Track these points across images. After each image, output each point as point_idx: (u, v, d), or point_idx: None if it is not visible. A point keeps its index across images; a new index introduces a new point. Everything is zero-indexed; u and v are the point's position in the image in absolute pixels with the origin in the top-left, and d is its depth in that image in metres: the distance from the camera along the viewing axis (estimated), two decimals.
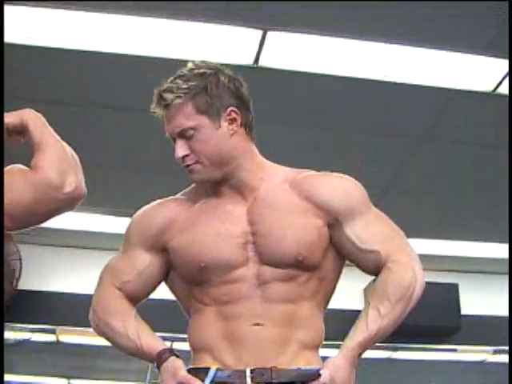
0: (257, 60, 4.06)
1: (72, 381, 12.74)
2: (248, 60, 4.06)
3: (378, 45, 4.01)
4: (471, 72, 4.27)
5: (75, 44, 4.00)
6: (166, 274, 2.30)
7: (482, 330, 7.75)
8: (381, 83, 4.37)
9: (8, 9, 3.51)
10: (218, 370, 2.09)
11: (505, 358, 10.25)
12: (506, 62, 4.12)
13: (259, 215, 2.19)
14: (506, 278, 7.99)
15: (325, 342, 2.22)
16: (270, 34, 3.86)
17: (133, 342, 2.17)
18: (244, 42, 3.92)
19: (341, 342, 2.12)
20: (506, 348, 8.57)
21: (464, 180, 5.82)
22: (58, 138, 2.02)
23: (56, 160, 1.94)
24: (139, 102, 4.57)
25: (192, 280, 2.21)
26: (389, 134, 5.09)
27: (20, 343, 8.50)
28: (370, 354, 8.58)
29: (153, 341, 2.18)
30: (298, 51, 4.02)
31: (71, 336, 8.67)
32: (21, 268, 6.38)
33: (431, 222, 6.60)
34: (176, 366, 2.10)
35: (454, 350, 9.14)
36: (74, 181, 1.93)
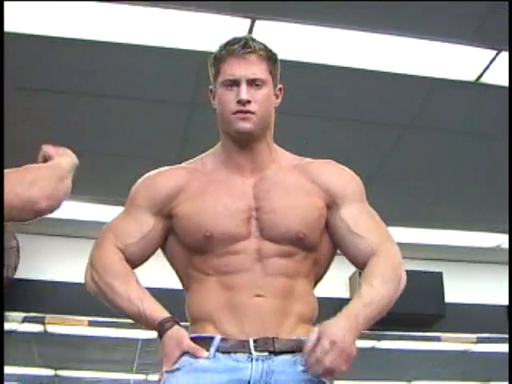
0: None
1: (59, 371, 12.75)
2: None
3: (363, 34, 4.04)
4: (455, 61, 4.31)
5: (63, 32, 4.02)
6: (165, 240, 2.32)
7: (465, 317, 7.82)
8: (366, 72, 4.41)
9: None
10: (222, 339, 2.11)
11: (488, 347, 10.37)
12: (489, 52, 4.17)
13: (265, 192, 2.27)
14: (490, 266, 8.10)
15: None
16: (258, 23, 3.91)
17: (135, 305, 2.15)
18: (232, 30, 3.94)
19: None
20: (490, 336, 8.70)
21: (448, 169, 5.87)
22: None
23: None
24: (130, 91, 4.67)
25: (195, 248, 2.24)
26: (374, 122, 5.13)
27: (8, 334, 8.51)
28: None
29: (156, 308, 2.17)
30: (285, 40, 4.05)
31: (59, 326, 8.69)
32: (18, 257, 6.41)
33: (416, 210, 6.65)
34: (181, 334, 2.11)
35: (438, 339, 9.20)
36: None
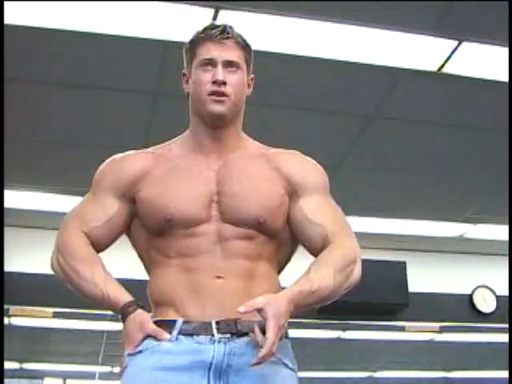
0: None
1: (24, 364, 12.70)
2: None
3: (327, 24, 4.05)
4: (418, 51, 4.33)
5: (25, 20, 3.99)
6: (129, 225, 2.34)
7: (429, 306, 7.90)
8: (329, 62, 4.41)
9: None
10: (184, 322, 2.13)
11: (451, 337, 10.49)
12: (451, 42, 4.20)
13: (228, 177, 2.29)
14: (454, 256, 8.19)
15: None
16: (221, 12, 3.91)
17: (99, 290, 2.17)
18: (196, 20, 3.95)
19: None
20: (453, 325, 8.80)
21: (411, 158, 5.91)
22: None
23: None
24: (95, 80, 4.65)
25: (156, 231, 2.25)
26: (337, 112, 5.15)
27: None
28: (319, 334, 8.79)
29: (119, 291, 2.19)
30: (248, 30, 4.05)
31: (23, 318, 8.64)
32: None
33: (379, 200, 6.69)
34: (144, 318, 2.13)
35: (403, 328, 9.28)
36: None
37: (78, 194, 5.78)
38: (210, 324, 2.11)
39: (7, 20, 3.95)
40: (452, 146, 5.63)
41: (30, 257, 6.76)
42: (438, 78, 4.59)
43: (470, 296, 8.18)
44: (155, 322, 2.15)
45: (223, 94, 2.27)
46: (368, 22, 4.06)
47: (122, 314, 2.15)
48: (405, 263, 7.64)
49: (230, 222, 2.24)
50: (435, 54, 4.35)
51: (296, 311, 2.05)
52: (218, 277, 2.17)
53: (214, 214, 2.25)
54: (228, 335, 2.10)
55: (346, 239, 2.27)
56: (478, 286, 8.21)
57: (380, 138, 5.51)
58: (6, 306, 7.79)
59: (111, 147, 5.06)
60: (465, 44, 4.21)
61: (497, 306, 8.16)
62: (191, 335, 2.11)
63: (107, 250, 2.36)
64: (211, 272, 2.18)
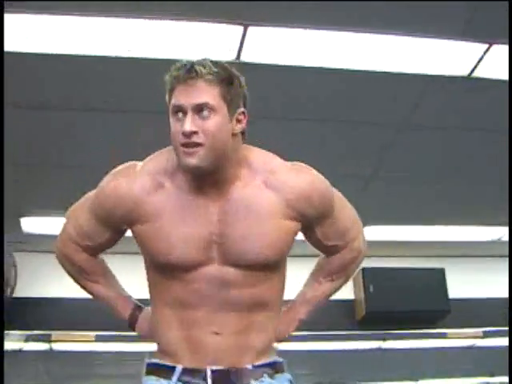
0: (238, 56, 4.14)
1: None
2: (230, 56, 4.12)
3: (355, 35, 4.06)
4: (447, 57, 4.33)
5: (41, 48, 4.03)
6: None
7: (470, 312, 7.85)
8: (358, 72, 4.42)
9: None
10: (183, 370, 2.22)
11: (495, 342, 10.37)
12: (480, 46, 4.19)
13: (230, 216, 2.18)
14: (492, 260, 8.12)
15: None
16: (250, 29, 3.92)
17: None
18: (225, 38, 3.98)
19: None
20: (496, 329, 8.70)
21: (446, 165, 5.89)
22: None
23: None
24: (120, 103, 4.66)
25: (156, 267, 2.28)
26: (369, 123, 5.15)
27: (13, 353, 8.49)
28: (360, 345, 8.72)
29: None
30: (276, 45, 4.09)
31: (65, 343, 8.68)
32: (16, 275, 6.40)
33: (415, 208, 6.65)
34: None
35: (444, 335, 9.20)
36: None
37: None
38: (205, 373, 2.21)
39: (37, 48, 3.99)
40: (485, 150, 5.59)
41: (68, 282, 6.77)
42: (468, 82, 4.57)
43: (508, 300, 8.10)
44: (155, 365, 2.29)
45: (194, 145, 2.08)
46: (397, 31, 4.07)
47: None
48: (443, 270, 7.61)
49: (233, 265, 2.21)
50: (465, 58, 4.33)
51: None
52: (215, 332, 2.21)
53: (214, 256, 2.20)
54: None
55: (354, 243, 2.45)
56: None
57: (413, 146, 5.48)
58: (47, 332, 7.86)
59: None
60: (495, 47, 4.19)
61: None
62: (188, 382, 2.22)
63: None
64: (209, 327, 2.22)
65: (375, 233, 6.70)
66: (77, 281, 2.51)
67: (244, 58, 4.16)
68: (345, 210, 2.40)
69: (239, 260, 2.19)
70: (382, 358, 11.51)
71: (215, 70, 2.11)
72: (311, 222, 2.28)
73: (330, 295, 2.53)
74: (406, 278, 7.15)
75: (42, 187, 5.79)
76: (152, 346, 2.37)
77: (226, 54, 4.07)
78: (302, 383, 9.73)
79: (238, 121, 2.19)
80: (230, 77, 2.15)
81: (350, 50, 4.22)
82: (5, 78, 4.13)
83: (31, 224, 6.59)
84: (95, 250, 2.43)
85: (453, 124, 5.21)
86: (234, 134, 2.17)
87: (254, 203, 2.19)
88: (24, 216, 6.33)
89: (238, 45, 4.05)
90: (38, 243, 6.55)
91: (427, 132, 5.31)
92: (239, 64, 4.12)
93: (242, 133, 2.23)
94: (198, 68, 2.09)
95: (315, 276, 2.51)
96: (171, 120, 2.14)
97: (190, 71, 2.09)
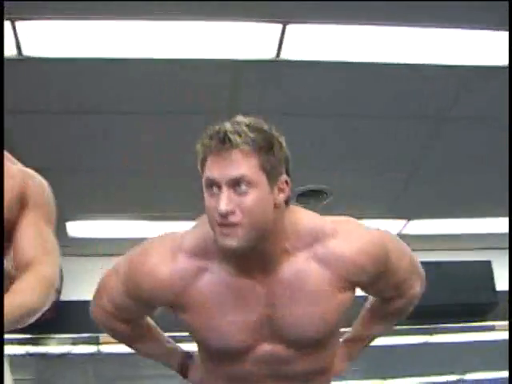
0: (278, 53, 4.10)
1: None
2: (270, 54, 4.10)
3: (393, 28, 4.04)
4: (485, 48, 4.28)
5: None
6: None
7: None
8: (398, 66, 4.39)
9: None
10: None
11: None
12: None
13: (280, 297, 2.06)
14: None
15: None
16: (289, 26, 3.89)
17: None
18: (265, 36, 3.96)
19: None
20: None
21: (487, 157, 5.82)
22: None
23: None
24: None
25: (205, 349, 2.26)
26: (410, 117, 5.11)
27: (62, 356, 8.58)
28: (406, 339, 8.65)
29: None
30: (317, 42, 4.07)
31: (113, 346, 8.73)
32: (62, 280, 6.44)
33: (460, 201, 6.59)
34: None
35: (492, 328, 9.12)
36: None
37: (150, 219, 5.85)
38: None
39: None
40: None
41: None
42: (504, 71, 4.51)
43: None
44: None
45: (232, 225, 1.89)
46: (434, 23, 4.03)
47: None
48: (490, 262, 7.54)
49: (285, 343, 2.13)
50: (503, 48, 4.27)
51: None
52: None
53: (266, 335, 2.11)
54: None
55: (411, 291, 2.36)
56: None
57: (455, 138, 5.43)
58: (95, 335, 7.92)
59: (171, 175, 5.11)
60: None
61: None
62: None
63: None
64: None
65: (420, 227, 6.71)
66: (120, 342, 2.45)
67: (284, 55, 4.13)
68: (401, 263, 2.22)
69: (294, 340, 2.12)
70: (429, 352, 11.45)
71: (252, 136, 1.90)
72: (365, 285, 2.19)
73: (385, 332, 2.50)
74: (453, 272, 7.08)
75: (87, 192, 5.82)
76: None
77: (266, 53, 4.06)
78: (352, 378, 9.71)
79: (281, 189, 1.99)
80: (269, 143, 1.93)
81: (391, 44, 4.20)
82: (37, 84, 4.17)
83: (77, 228, 6.64)
84: (135, 320, 2.36)
85: (494, 114, 5.15)
86: (276, 206, 1.97)
87: (304, 282, 2.04)
88: (69, 220, 6.37)
89: (278, 43, 4.02)
90: (83, 247, 6.60)
91: (469, 123, 5.26)
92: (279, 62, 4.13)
93: (286, 201, 2.03)
94: (232, 137, 1.88)
95: (369, 317, 2.45)
96: (205, 194, 1.95)
97: (223, 141, 1.89)
